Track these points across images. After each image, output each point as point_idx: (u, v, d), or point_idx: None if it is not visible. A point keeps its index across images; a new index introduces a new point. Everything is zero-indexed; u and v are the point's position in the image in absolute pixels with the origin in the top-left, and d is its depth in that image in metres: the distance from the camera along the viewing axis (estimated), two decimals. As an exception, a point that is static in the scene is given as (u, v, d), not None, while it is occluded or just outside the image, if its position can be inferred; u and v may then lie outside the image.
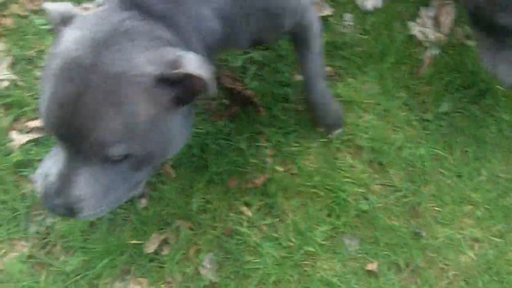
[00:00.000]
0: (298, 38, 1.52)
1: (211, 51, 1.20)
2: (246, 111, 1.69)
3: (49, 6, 1.11)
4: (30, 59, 1.72)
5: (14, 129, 1.63)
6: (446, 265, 1.53)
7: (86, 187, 1.09)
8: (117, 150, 1.03)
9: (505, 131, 1.72)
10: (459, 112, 1.74)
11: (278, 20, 1.33)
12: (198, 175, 1.62)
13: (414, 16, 1.86)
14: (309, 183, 1.61)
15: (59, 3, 1.11)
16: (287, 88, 1.73)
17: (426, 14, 1.85)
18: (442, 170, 1.66)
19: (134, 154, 1.07)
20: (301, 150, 1.66)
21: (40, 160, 1.56)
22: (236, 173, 1.61)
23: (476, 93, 1.76)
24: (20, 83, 1.69)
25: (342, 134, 1.68)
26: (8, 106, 1.66)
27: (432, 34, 1.81)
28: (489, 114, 1.74)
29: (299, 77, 1.74)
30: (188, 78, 1.02)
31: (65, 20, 1.08)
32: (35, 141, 1.62)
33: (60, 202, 1.10)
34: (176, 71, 1.00)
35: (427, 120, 1.72)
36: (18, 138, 1.62)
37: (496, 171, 1.65)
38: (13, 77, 1.69)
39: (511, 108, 1.75)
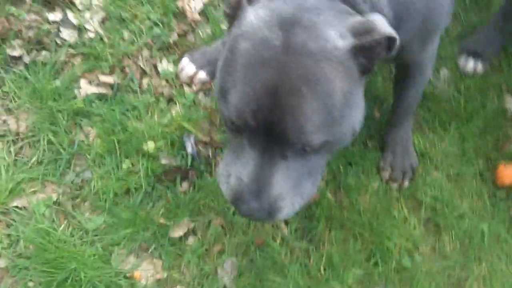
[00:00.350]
0: (412, 63, 1.51)
1: None
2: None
3: None
4: (123, 19, 1.85)
5: (84, 78, 1.77)
6: None
7: (284, 184, 1.09)
8: (317, 137, 1.03)
9: None
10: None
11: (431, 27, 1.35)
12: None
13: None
14: (356, 220, 1.64)
15: None
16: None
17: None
18: (499, 253, 1.65)
19: (331, 139, 1.06)
20: (358, 186, 1.68)
21: (98, 115, 1.69)
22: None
23: None
24: (105, 39, 1.82)
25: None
26: (86, 56, 1.80)
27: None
28: None
29: (377, 114, 1.82)
30: (381, 42, 1.01)
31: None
32: (100, 95, 1.74)
33: (258, 205, 1.09)
34: (372, 37, 1.00)
35: (499, 197, 1.72)
36: (85, 88, 1.73)
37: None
38: (100, 31, 1.83)
39: None
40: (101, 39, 1.79)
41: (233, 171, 1.13)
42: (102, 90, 1.73)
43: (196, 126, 1.70)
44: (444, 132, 1.79)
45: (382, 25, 1.01)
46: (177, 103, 1.74)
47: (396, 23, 1.15)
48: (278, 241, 1.60)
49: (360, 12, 1.09)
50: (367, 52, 1.02)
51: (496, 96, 1.85)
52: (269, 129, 1.02)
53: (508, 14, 1.89)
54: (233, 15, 1.09)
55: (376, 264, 1.59)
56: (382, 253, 1.59)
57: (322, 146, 1.06)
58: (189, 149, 1.67)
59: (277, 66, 0.99)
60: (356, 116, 1.10)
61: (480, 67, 1.91)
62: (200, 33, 1.85)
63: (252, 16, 1.04)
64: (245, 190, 1.09)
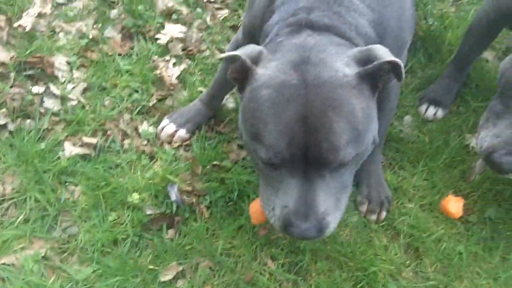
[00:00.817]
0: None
1: None
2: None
3: (234, 53, 1.36)
4: (104, 88, 2.17)
5: (68, 141, 2.04)
6: None
7: (327, 201, 1.35)
8: (349, 152, 1.30)
9: (552, 250, 1.98)
10: (505, 222, 2.00)
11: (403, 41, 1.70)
12: (230, 220, 1.92)
13: (471, 129, 2.23)
14: (340, 251, 1.86)
15: (243, 48, 1.39)
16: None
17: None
18: (479, 270, 1.88)
19: (359, 152, 1.34)
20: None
21: (82, 173, 1.95)
22: (268, 223, 1.91)
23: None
24: (87, 106, 2.13)
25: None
26: (69, 122, 2.08)
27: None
28: (537, 230, 2.02)
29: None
30: (383, 66, 1.30)
31: (255, 59, 1.36)
32: (84, 156, 2.00)
33: (308, 225, 1.33)
34: (375, 62, 1.29)
35: (471, 222, 1.99)
36: (69, 149, 1.98)
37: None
38: (82, 100, 2.14)
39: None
40: (83, 106, 2.11)
41: (277, 202, 1.39)
42: (86, 151, 1.98)
43: (179, 177, 1.97)
44: (413, 168, 2.08)
45: (383, 53, 1.31)
46: (159, 160, 2.03)
47: (378, 42, 1.48)
48: (266, 276, 1.81)
49: (350, 40, 1.43)
50: (372, 75, 1.32)
51: (458, 135, 2.20)
52: (305, 156, 1.28)
53: (460, 66, 2.31)
54: (242, 78, 1.39)
55: (363, 289, 1.82)
56: (368, 279, 1.80)
57: (352, 159, 1.34)
58: (173, 197, 1.91)
59: (300, 100, 1.27)
60: (374, 127, 1.41)
61: (440, 113, 2.27)
62: (178, 97, 2.20)
63: (264, 70, 1.34)
64: (292, 215, 1.34)
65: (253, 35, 1.67)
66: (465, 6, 2.61)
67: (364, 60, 1.32)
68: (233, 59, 1.37)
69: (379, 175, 2.03)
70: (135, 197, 1.88)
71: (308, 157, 1.28)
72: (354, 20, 1.47)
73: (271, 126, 1.29)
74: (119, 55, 2.25)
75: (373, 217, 1.97)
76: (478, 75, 2.38)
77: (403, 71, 1.30)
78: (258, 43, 1.50)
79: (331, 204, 1.36)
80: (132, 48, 2.29)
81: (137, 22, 2.34)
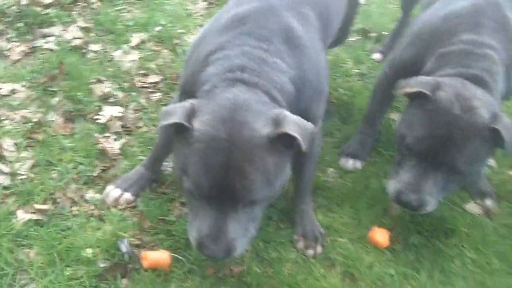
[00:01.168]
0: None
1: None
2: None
3: (173, 121, 1.76)
4: (51, 163, 2.50)
5: (20, 210, 2.31)
6: None
7: (236, 229, 1.79)
8: (259, 194, 1.76)
9: (468, 265, 2.36)
10: (426, 246, 2.41)
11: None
12: (179, 265, 2.23)
13: (387, 175, 2.60)
14: (284, 281, 2.17)
15: (177, 107, 1.80)
16: (271, 209, 2.44)
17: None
18: (409, 287, 2.27)
19: (269, 194, 1.81)
20: (279, 257, 2.27)
21: (36, 237, 2.23)
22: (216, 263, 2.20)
23: (443, 233, 2.47)
24: (36, 180, 2.43)
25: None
26: (19, 194, 2.37)
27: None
28: (454, 250, 2.41)
29: (283, 204, 2.52)
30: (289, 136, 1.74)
31: (190, 115, 1.76)
32: (36, 221, 2.28)
33: (217, 248, 1.78)
34: (279, 131, 1.72)
35: (397, 250, 2.36)
36: (22, 216, 2.26)
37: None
38: (31, 175, 2.44)
39: (474, 247, 2.42)
40: (32, 180, 2.42)
41: (195, 226, 1.83)
42: (38, 217, 2.26)
43: (127, 233, 2.28)
44: (341, 209, 2.48)
45: (289, 124, 1.74)
46: (107, 220, 2.33)
47: (297, 94, 1.98)
48: (218, 311, 2.11)
49: (273, 98, 1.88)
50: (284, 137, 1.75)
51: (376, 180, 2.66)
52: (222, 193, 1.73)
53: (370, 122, 2.81)
54: (181, 130, 1.78)
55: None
56: (311, 304, 2.15)
57: (262, 199, 1.80)
58: (124, 249, 2.18)
59: (224, 152, 1.70)
60: (284, 176, 1.87)
61: (358, 164, 2.74)
62: (120, 167, 2.56)
63: (198, 124, 1.74)
64: (205, 238, 1.79)
65: (189, 91, 2.12)
66: (369, 78, 3.20)
67: (279, 123, 1.76)
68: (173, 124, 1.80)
69: (311, 216, 2.41)
70: (88, 251, 2.17)
71: (225, 194, 1.73)
72: (278, 78, 1.93)
73: (198, 168, 1.74)
74: (63, 135, 2.62)
75: (311, 251, 2.31)
76: (387, 131, 2.91)
77: (302, 143, 1.75)
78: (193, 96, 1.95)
79: (240, 232, 1.81)
80: (74, 129, 2.66)
81: (77, 106, 2.74)
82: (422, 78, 2.25)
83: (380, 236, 2.39)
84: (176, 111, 1.79)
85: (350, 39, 3.52)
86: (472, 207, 2.66)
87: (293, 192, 2.44)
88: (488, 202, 2.68)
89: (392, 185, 2.30)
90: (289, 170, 1.91)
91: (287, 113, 1.80)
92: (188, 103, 1.81)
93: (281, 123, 1.75)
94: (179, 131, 1.80)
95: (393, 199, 2.30)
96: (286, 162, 1.86)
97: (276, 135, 1.74)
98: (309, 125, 1.82)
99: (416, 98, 2.21)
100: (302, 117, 1.89)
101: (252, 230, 1.89)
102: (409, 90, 2.22)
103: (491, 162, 2.89)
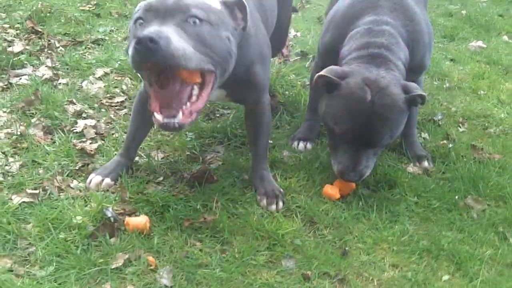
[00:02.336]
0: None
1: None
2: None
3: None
4: (36, 163, 2.94)
5: (14, 195, 2.75)
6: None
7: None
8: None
9: (412, 207, 2.91)
10: (373, 196, 2.95)
11: None
12: (159, 223, 2.67)
13: None
14: (252, 226, 2.63)
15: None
16: (236, 179, 2.98)
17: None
18: (362, 225, 2.74)
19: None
20: (247, 212, 2.74)
21: (31, 213, 2.67)
22: (191, 216, 2.67)
23: (387, 185, 3.03)
24: (25, 175, 2.89)
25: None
26: (11, 186, 2.79)
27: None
28: (398, 197, 2.96)
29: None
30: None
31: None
32: (29, 203, 2.68)
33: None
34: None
35: (348, 201, 2.90)
36: (16, 199, 2.65)
37: (406, 228, 2.76)
38: (20, 172, 2.92)
39: (415, 194, 2.98)
40: (22, 175, 2.88)
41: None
42: (31, 199, 2.68)
43: (110, 205, 2.74)
44: (297, 175, 3.02)
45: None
46: (91, 199, 2.79)
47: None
48: (197, 251, 2.55)
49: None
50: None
51: (325, 157, 3.23)
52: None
53: (313, 109, 3.37)
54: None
55: (274, 246, 2.61)
56: (278, 240, 2.59)
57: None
58: (109, 214, 2.63)
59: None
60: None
61: (309, 145, 3.30)
62: (98, 162, 3.04)
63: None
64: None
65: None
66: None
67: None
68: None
69: (270, 179, 2.93)
70: (78, 218, 2.61)
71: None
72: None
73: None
74: (44, 143, 3.11)
75: (273, 206, 2.79)
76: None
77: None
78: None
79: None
80: (53, 139, 3.16)
81: (54, 122, 3.25)
82: (331, 68, 2.85)
83: (332, 189, 2.92)
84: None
85: (291, 59, 4.24)
86: (412, 168, 3.23)
87: (251, 161, 2.97)
88: (425, 164, 3.26)
89: (335, 166, 2.95)
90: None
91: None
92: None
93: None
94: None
95: (338, 175, 2.95)
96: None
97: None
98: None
99: (331, 88, 2.84)
100: (244, 76, 2.66)
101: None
102: (320, 79, 2.82)
103: (425, 135, 3.52)
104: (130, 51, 2.18)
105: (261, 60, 2.74)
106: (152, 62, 2.16)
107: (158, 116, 2.30)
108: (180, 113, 2.30)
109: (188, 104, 2.32)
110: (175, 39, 2.17)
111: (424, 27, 3.13)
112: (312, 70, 3.51)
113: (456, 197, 3.02)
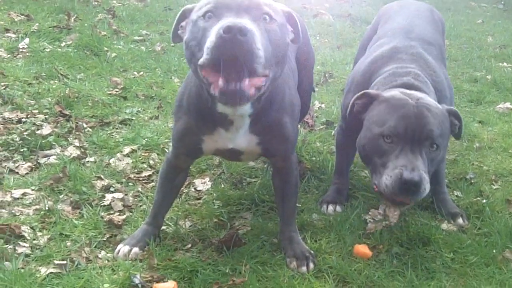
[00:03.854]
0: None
1: None
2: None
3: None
4: (64, 235, 2.98)
5: (42, 267, 2.76)
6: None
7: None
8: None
9: (448, 263, 2.84)
10: (407, 254, 2.89)
11: None
12: (187, 287, 2.65)
13: (366, 211, 3.27)
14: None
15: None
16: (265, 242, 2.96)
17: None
18: (398, 283, 2.68)
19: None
20: (277, 274, 2.70)
21: (58, 283, 2.67)
22: (219, 280, 2.64)
23: (421, 242, 2.98)
24: (53, 248, 2.91)
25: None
26: (39, 259, 2.83)
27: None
28: (433, 253, 2.90)
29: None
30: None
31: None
32: (56, 274, 2.69)
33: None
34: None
35: (381, 259, 2.86)
36: (44, 270, 2.68)
37: (444, 284, 2.70)
38: (48, 245, 2.93)
39: (451, 249, 2.93)
40: (50, 248, 2.90)
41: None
42: (58, 270, 2.70)
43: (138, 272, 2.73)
44: (327, 236, 3.00)
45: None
46: (120, 266, 2.78)
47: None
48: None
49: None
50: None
51: (354, 213, 3.21)
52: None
53: (340, 173, 3.43)
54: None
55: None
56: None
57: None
58: (137, 281, 2.62)
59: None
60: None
61: (338, 208, 3.29)
62: (126, 233, 3.05)
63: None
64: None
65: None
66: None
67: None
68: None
69: (299, 240, 2.90)
70: (106, 286, 2.61)
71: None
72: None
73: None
74: (72, 217, 3.15)
75: (304, 268, 2.76)
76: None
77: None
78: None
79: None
80: (81, 213, 3.19)
81: (82, 196, 3.30)
82: (364, 91, 2.92)
83: (364, 248, 2.89)
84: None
85: (317, 128, 4.31)
86: (446, 225, 3.18)
87: (280, 223, 2.96)
88: (460, 221, 3.21)
89: (389, 175, 2.65)
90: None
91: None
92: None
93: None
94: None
95: (393, 185, 2.62)
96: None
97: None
98: None
99: (366, 111, 2.88)
100: (275, 125, 2.68)
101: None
102: (354, 99, 2.91)
103: (458, 193, 3.49)
104: (213, 38, 2.12)
105: (291, 111, 2.77)
106: (234, 53, 2.10)
107: (221, 82, 2.17)
108: (245, 81, 2.20)
109: (247, 80, 2.22)
110: (258, 36, 2.16)
111: (445, 81, 3.18)
112: (336, 134, 3.55)
113: (494, 251, 2.94)
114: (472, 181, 3.77)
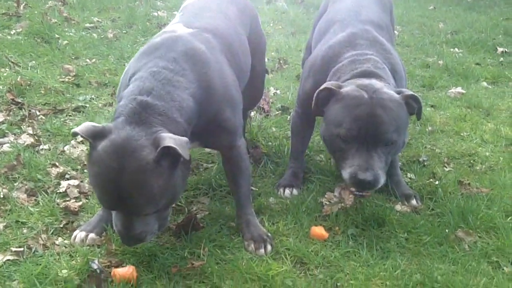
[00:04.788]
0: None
1: (191, 123, 2.59)
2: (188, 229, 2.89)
3: (78, 129, 2.37)
4: (20, 223, 2.94)
5: (-3, 256, 2.76)
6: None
7: (142, 227, 2.43)
8: (150, 209, 2.38)
9: (402, 242, 2.94)
10: (363, 235, 2.97)
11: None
12: (147, 272, 2.67)
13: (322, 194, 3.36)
14: (243, 272, 2.65)
15: (84, 124, 2.43)
16: (222, 226, 3.02)
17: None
18: (353, 262, 2.76)
19: (160, 207, 2.39)
20: (235, 257, 2.74)
21: (16, 270, 2.67)
22: (178, 263, 2.68)
23: (376, 224, 3.06)
24: (9, 235, 2.89)
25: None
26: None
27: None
28: (388, 234, 2.99)
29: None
30: (170, 150, 2.27)
31: (95, 135, 2.37)
32: (14, 261, 2.67)
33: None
34: (158, 149, 2.27)
35: (338, 240, 2.93)
36: (1, 258, 2.71)
37: (398, 263, 2.78)
38: (4, 232, 2.92)
39: (405, 230, 3.01)
40: (6, 235, 2.89)
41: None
42: (15, 257, 2.70)
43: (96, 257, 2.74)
44: (284, 219, 3.06)
45: (164, 140, 2.29)
46: (77, 253, 2.79)
47: (202, 103, 2.63)
48: (187, 297, 2.56)
49: (169, 117, 2.45)
50: (168, 154, 2.32)
51: (311, 201, 3.28)
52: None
53: (295, 157, 3.53)
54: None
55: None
56: (267, 281, 2.62)
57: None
58: (95, 266, 2.63)
59: (116, 179, 2.30)
60: (176, 189, 2.45)
61: (295, 191, 3.35)
62: (82, 219, 3.06)
63: (99, 147, 2.36)
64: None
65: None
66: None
67: (157, 143, 2.31)
68: (74, 134, 2.44)
69: (256, 223, 2.96)
70: (64, 272, 2.62)
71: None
72: (178, 96, 2.53)
73: (98, 189, 2.40)
74: (28, 205, 3.14)
75: (261, 250, 2.82)
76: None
77: (181, 152, 2.28)
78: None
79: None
80: (37, 200, 3.19)
81: (37, 184, 3.29)
82: (326, 83, 2.95)
83: (320, 229, 2.96)
84: (85, 129, 2.40)
85: (272, 114, 4.36)
86: (400, 206, 3.27)
87: (236, 207, 3.02)
88: (413, 202, 3.31)
89: (346, 172, 2.88)
90: (184, 183, 2.58)
91: (163, 133, 2.36)
92: (101, 125, 2.42)
93: (159, 143, 2.30)
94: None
95: (350, 182, 2.89)
96: (172, 180, 2.40)
97: (158, 157, 2.29)
98: (184, 139, 2.37)
99: (328, 100, 2.92)
100: (214, 122, 2.68)
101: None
102: (318, 91, 2.93)
103: (411, 175, 3.59)
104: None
105: (229, 102, 2.82)
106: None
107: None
108: None
109: None
110: None
111: (399, 61, 3.28)
112: (292, 119, 3.61)
113: (447, 230, 3.05)
114: (425, 163, 3.88)
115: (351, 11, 3.64)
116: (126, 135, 2.34)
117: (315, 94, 2.97)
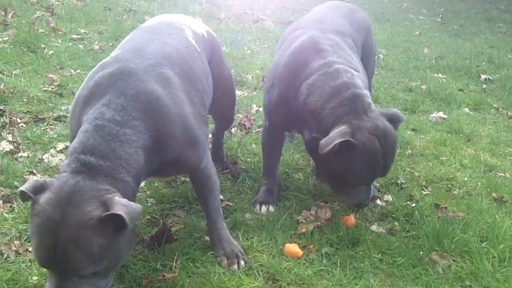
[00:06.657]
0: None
1: (140, 177, 2.50)
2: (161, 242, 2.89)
3: (23, 187, 2.19)
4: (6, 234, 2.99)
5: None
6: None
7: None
8: (87, 271, 2.16)
9: (376, 263, 2.95)
10: (337, 254, 2.98)
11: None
12: (118, 282, 2.67)
13: (298, 211, 3.36)
14: (214, 286, 2.66)
15: (30, 180, 2.45)
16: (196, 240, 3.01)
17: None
18: (327, 282, 2.77)
19: (98, 270, 2.20)
20: (208, 271, 2.74)
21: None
22: (150, 275, 2.68)
23: (351, 243, 3.07)
24: None
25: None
26: None
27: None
28: (362, 254, 3.01)
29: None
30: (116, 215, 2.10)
31: (36, 190, 2.20)
32: None
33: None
34: (106, 213, 2.11)
35: (312, 258, 2.94)
36: None
37: (371, 283, 2.79)
38: None
39: (379, 251, 3.03)
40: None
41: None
42: None
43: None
44: (259, 235, 3.07)
45: (111, 205, 2.15)
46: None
47: (156, 151, 2.51)
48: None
49: (114, 178, 2.32)
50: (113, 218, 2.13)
51: (287, 218, 3.29)
52: (57, 269, 2.17)
53: (268, 173, 3.55)
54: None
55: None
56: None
57: (93, 274, 2.21)
58: None
59: (55, 233, 2.11)
60: (119, 254, 2.30)
61: (271, 208, 3.37)
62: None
63: (41, 200, 2.18)
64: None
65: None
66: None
67: (105, 207, 2.16)
68: (21, 194, 2.24)
69: (228, 238, 2.95)
70: (34, 278, 2.61)
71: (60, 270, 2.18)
72: (125, 153, 2.38)
73: (36, 244, 2.20)
74: (2, 212, 3.12)
75: (234, 266, 2.82)
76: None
77: (128, 223, 2.13)
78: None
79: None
80: (12, 207, 3.17)
81: (14, 190, 3.28)
82: (337, 131, 2.88)
83: (294, 247, 2.97)
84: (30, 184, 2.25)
85: (253, 131, 4.41)
86: (375, 227, 3.29)
87: (207, 222, 3.01)
88: (378, 202, 3.53)
89: (349, 198, 3.15)
90: (129, 248, 2.41)
91: (116, 197, 2.23)
92: (40, 180, 2.29)
93: (109, 207, 2.17)
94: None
95: (352, 204, 3.22)
96: (118, 242, 2.26)
97: (104, 219, 2.14)
98: (137, 208, 2.24)
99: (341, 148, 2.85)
100: (175, 165, 2.65)
101: None
102: (334, 145, 2.83)
103: (388, 197, 3.62)
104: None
105: (191, 144, 2.73)
106: None
107: None
108: None
109: None
110: None
111: (360, 65, 3.43)
112: (261, 135, 3.62)
113: (421, 252, 3.07)
114: (403, 186, 3.90)
115: (314, 20, 3.66)
116: (72, 187, 2.22)
117: (333, 143, 2.84)
